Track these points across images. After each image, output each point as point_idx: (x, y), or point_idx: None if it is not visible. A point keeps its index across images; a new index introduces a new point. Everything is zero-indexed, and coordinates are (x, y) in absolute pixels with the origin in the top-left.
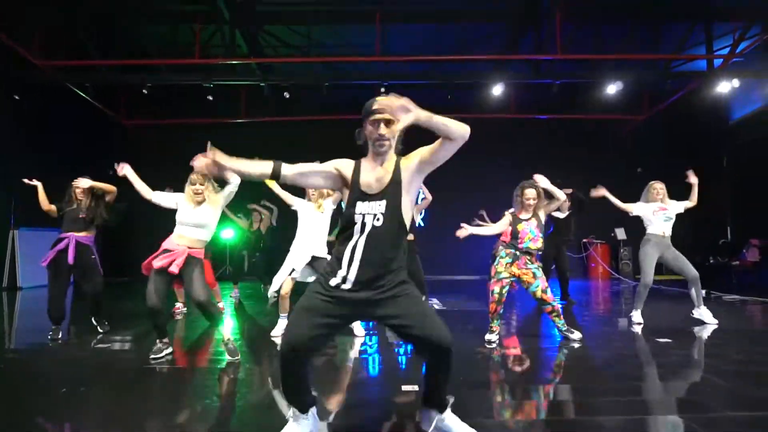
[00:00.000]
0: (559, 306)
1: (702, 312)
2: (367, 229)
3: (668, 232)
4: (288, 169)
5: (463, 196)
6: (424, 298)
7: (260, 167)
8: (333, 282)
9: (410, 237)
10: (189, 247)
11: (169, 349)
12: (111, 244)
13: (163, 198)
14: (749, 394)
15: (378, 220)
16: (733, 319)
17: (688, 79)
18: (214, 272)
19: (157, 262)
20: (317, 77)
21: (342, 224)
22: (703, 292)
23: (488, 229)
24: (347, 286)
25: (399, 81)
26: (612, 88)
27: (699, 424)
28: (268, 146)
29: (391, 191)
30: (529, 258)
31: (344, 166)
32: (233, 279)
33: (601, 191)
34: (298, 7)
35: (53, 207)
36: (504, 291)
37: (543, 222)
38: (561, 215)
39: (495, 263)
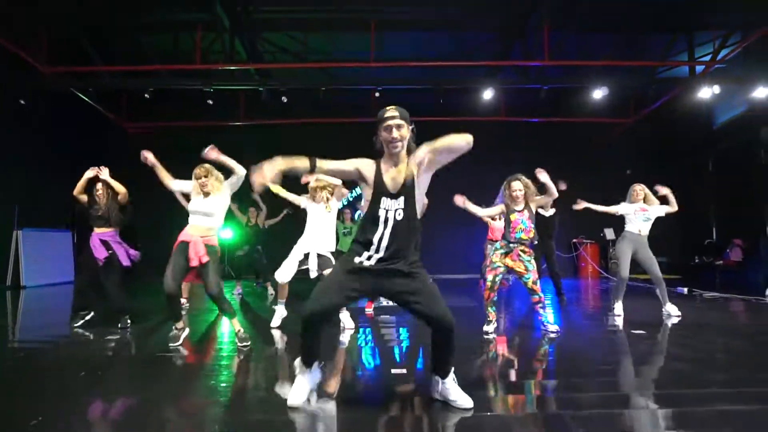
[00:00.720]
0: (546, 299)
1: (669, 308)
2: (390, 222)
3: (644, 231)
4: (322, 164)
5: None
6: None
7: (301, 162)
8: (358, 260)
9: None
10: (202, 236)
11: (186, 332)
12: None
13: (182, 184)
14: (707, 377)
15: (399, 215)
16: (708, 314)
17: (672, 85)
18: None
19: (193, 260)
20: (314, 82)
21: (366, 216)
22: (685, 290)
23: (481, 210)
24: (371, 262)
25: (392, 86)
26: (598, 93)
27: (660, 401)
28: (266, 148)
29: (406, 190)
30: (522, 249)
31: (365, 166)
32: (236, 276)
33: (582, 204)
34: (295, 14)
35: (84, 196)
36: (497, 279)
37: (534, 215)
38: (546, 213)
39: (491, 254)
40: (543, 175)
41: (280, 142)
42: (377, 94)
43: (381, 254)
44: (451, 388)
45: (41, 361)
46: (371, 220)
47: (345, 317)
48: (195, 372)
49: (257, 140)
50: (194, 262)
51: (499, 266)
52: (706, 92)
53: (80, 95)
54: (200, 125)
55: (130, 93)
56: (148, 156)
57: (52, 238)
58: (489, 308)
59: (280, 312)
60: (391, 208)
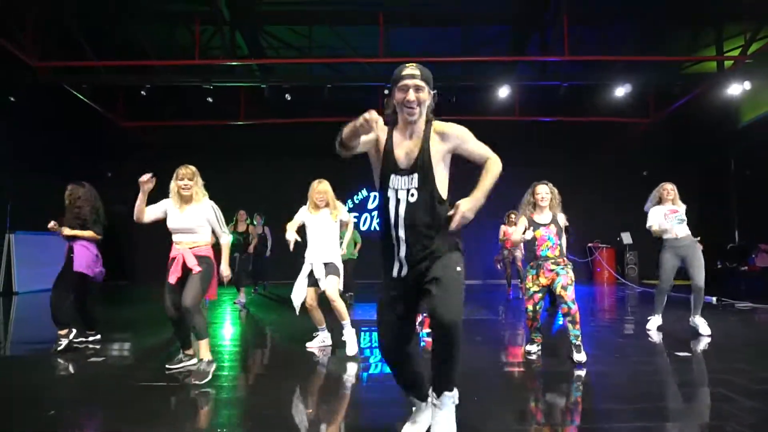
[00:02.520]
0: (577, 312)
1: (697, 321)
2: (402, 205)
3: (681, 233)
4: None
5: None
6: None
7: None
8: (395, 273)
9: None
10: (191, 248)
11: (192, 361)
12: (111, 248)
13: (153, 212)
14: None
15: (412, 195)
16: (752, 329)
17: (698, 81)
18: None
19: (171, 277)
20: (318, 78)
21: (378, 202)
22: (714, 299)
23: (521, 237)
24: (404, 272)
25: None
26: (621, 91)
27: None
28: (267, 148)
29: (422, 164)
30: (552, 262)
31: (381, 132)
32: (237, 284)
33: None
34: (299, 7)
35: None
36: (538, 308)
37: (563, 230)
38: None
39: (524, 281)
40: None
41: (282, 142)
42: (386, 92)
43: (405, 251)
44: (442, 414)
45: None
46: (381, 205)
47: (349, 336)
48: (183, 402)
49: (258, 139)
50: (172, 279)
51: (536, 291)
52: (736, 89)
53: (75, 93)
54: (199, 124)
55: (126, 90)
56: (145, 179)
57: (47, 241)
58: (534, 334)
59: (322, 338)
60: (402, 188)
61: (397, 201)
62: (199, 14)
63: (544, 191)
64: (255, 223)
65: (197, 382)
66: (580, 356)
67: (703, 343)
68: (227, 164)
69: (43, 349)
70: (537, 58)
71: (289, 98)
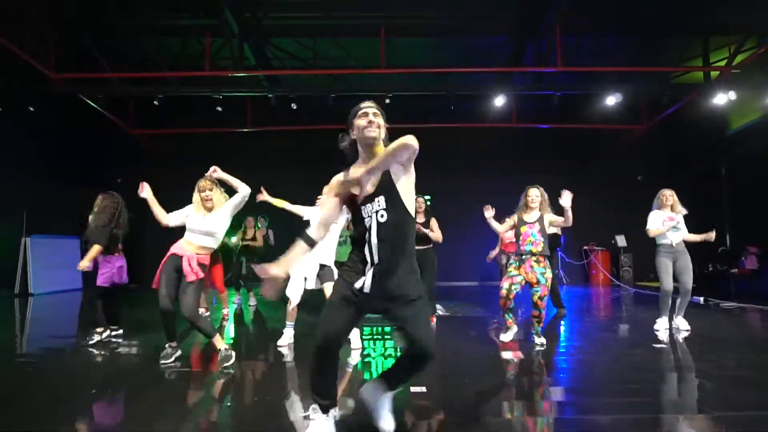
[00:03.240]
0: (544, 315)
1: (679, 321)
2: (374, 227)
3: (676, 240)
4: (314, 233)
5: (465, 205)
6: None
7: (300, 249)
8: (358, 285)
9: (427, 246)
10: (196, 254)
11: (178, 353)
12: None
13: (177, 218)
14: (740, 399)
15: (382, 216)
16: (730, 326)
17: (687, 91)
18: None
19: (169, 267)
20: (323, 89)
21: (355, 230)
22: (701, 299)
23: (497, 225)
24: (367, 287)
25: (403, 92)
26: (611, 100)
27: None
28: (273, 155)
29: (385, 184)
30: (534, 260)
31: (337, 186)
32: (247, 286)
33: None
34: (304, 21)
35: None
36: (513, 288)
37: (546, 229)
38: (553, 230)
39: (508, 264)
40: (566, 200)
41: (288, 149)
42: (387, 101)
43: (376, 267)
44: (386, 404)
45: (47, 374)
46: (357, 230)
47: (353, 335)
48: (186, 395)
49: (265, 147)
50: (191, 277)
51: (515, 275)
52: (722, 98)
53: (90, 103)
54: (207, 132)
55: (138, 100)
56: (145, 189)
57: (61, 244)
58: (506, 315)
59: (289, 335)
60: (372, 211)
61: (370, 225)
62: (209, 28)
63: (535, 194)
64: (259, 226)
65: (225, 365)
66: (541, 339)
67: (681, 337)
68: (233, 171)
69: (60, 347)
70: (530, 69)
71: (295, 107)
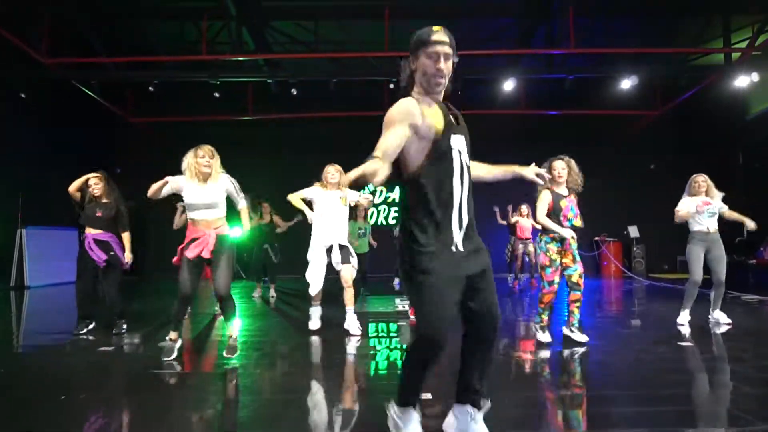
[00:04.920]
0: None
1: (717, 315)
2: (466, 168)
3: (713, 227)
4: (382, 152)
5: (474, 192)
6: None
7: (374, 165)
8: (454, 247)
9: None
10: (215, 228)
11: (179, 344)
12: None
13: (166, 190)
14: None
15: (466, 157)
16: (755, 320)
17: (705, 74)
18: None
19: (191, 252)
20: (324, 73)
21: (431, 164)
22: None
23: (542, 216)
24: (461, 244)
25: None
26: (627, 83)
27: None
28: (274, 142)
29: (463, 126)
30: (572, 237)
31: (413, 110)
32: (271, 277)
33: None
34: (304, 2)
35: (78, 194)
36: (560, 280)
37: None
38: None
39: (544, 251)
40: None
41: (289, 136)
42: (391, 86)
43: (465, 221)
44: (481, 428)
45: (44, 368)
46: (442, 168)
47: (351, 320)
48: (191, 392)
49: (266, 134)
50: (206, 254)
51: (559, 264)
52: (743, 81)
53: (84, 89)
54: (207, 120)
55: (135, 85)
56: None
57: (57, 236)
58: (545, 313)
59: (317, 313)
60: (461, 148)
61: (461, 163)
62: (207, 10)
63: (560, 166)
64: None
65: (230, 356)
66: (583, 337)
67: (710, 333)
68: (234, 159)
69: (60, 340)
70: (543, 51)
71: (295, 93)
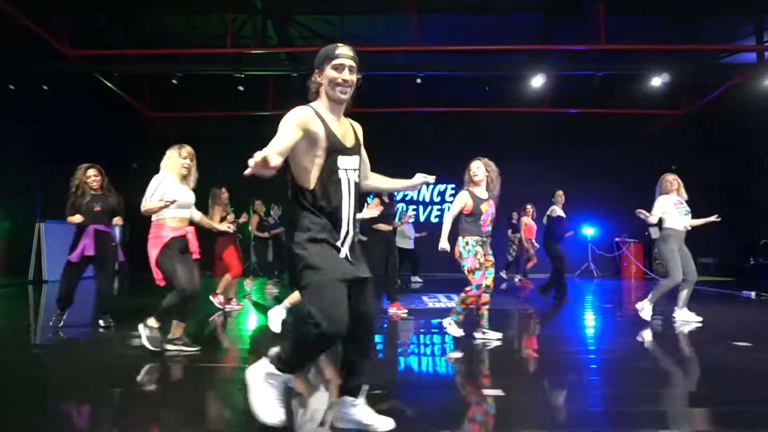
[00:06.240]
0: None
1: (684, 315)
2: (353, 187)
3: (688, 225)
4: (274, 150)
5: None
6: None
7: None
8: (338, 249)
9: (387, 227)
10: (188, 229)
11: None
12: (136, 241)
13: (158, 190)
14: None
15: (356, 177)
16: None
17: (736, 72)
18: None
19: (174, 247)
20: None
21: (321, 182)
22: (752, 294)
23: (448, 218)
24: (346, 251)
25: (435, 72)
26: (657, 81)
27: None
28: None
29: (358, 146)
30: (489, 243)
31: (309, 117)
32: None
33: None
34: None
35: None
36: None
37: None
38: (555, 215)
39: (473, 254)
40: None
41: None
42: (418, 81)
43: (350, 236)
44: (364, 410)
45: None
46: (330, 186)
47: (276, 316)
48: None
49: None
50: (195, 255)
51: (485, 267)
52: None
53: (105, 82)
54: (226, 115)
55: (154, 79)
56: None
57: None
58: (463, 314)
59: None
60: (350, 168)
61: (348, 183)
62: (231, 3)
63: (475, 166)
64: (272, 213)
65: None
66: (497, 333)
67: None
68: (251, 155)
69: (79, 334)
70: (574, 47)
71: None
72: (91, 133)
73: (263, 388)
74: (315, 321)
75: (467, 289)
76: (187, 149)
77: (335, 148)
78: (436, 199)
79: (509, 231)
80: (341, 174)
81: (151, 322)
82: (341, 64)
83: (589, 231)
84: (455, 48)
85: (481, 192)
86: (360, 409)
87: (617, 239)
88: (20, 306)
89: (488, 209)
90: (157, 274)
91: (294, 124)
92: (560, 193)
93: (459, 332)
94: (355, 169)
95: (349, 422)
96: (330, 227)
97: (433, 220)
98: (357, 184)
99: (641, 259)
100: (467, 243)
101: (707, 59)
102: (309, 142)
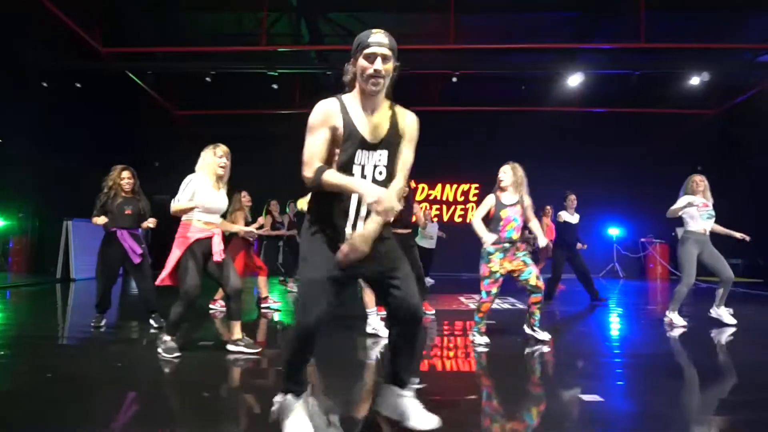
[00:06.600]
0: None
1: (720, 312)
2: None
3: (709, 229)
4: (330, 176)
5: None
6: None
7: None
8: (334, 237)
9: (406, 230)
10: (215, 232)
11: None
12: (157, 238)
13: (190, 193)
14: None
15: (381, 174)
16: None
17: None
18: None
19: (196, 250)
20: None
21: (337, 163)
22: None
23: (478, 222)
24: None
25: (472, 71)
26: (696, 80)
27: None
28: None
29: (393, 140)
30: (516, 247)
31: (331, 112)
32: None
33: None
34: None
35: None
36: (498, 290)
37: (527, 209)
38: (573, 220)
39: (486, 261)
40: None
41: None
42: (454, 79)
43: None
44: (410, 403)
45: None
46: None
47: (375, 322)
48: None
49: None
50: (217, 257)
51: (502, 275)
52: None
53: (135, 79)
54: (251, 113)
55: (181, 77)
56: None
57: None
58: (483, 322)
59: (376, 321)
60: (369, 163)
61: (364, 178)
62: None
63: (502, 171)
64: (287, 210)
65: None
66: (545, 335)
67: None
68: (277, 154)
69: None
70: (614, 45)
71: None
72: (116, 131)
73: (288, 419)
74: (297, 313)
75: (479, 297)
76: (222, 148)
77: (354, 143)
78: (460, 199)
79: (526, 231)
80: (356, 170)
81: (165, 337)
82: (373, 53)
83: (614, 231)
84: (493, 46)
85: (507, 197)
86: (405, 401)
87: (643, 239)
88: (50, 304)
89: (510, 215)
90: (164, 273)
91: (317, 126)
92: (572, 197)
93: (483, 340)
94: (376, 165)
95: (391, 411)
96: (337, 224)
97: (456, 219)
98: (378, 182)
99: (666, 260)
100: (484, 249)
101: (743, 58)
102: (332, 136)
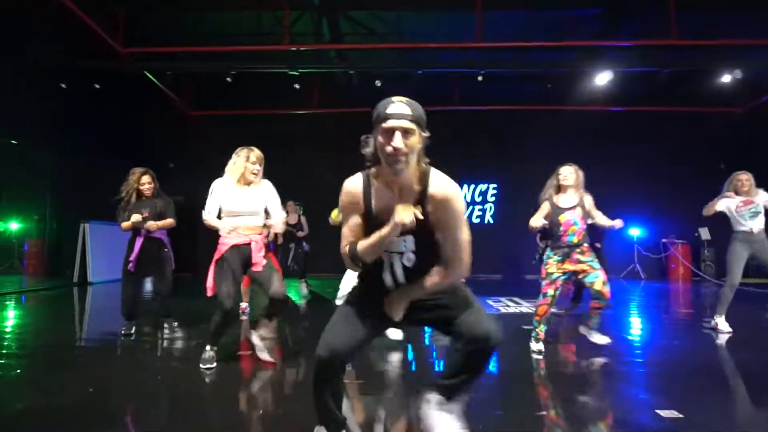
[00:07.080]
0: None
1: None
2: (399, 274)
3: (757, 227)
4: (360, 245)
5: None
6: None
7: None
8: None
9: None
10: (257, 235)
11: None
12: (173, 239)
13: (215, 207)
14: None
15: (409, 260)
16: None
17: None
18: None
19: (233, 261)
20: (410, 63)
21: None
22: None
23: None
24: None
25: (498, 70)
26: (727, 78)
27: None
28: (341, 139)
29: (419, 224)
30: (579, 251)
31: (356, 196)
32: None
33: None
34: None
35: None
36: (557, 293)
37: (590, 210)
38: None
39: (544, 263)
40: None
41: (356, 132)
42: (480, 78)
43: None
44: (443, 417)
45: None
46: (373, 268)
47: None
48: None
49: (331, 131)
50: (258, 267)
51: (559, 276)
52: None
53: (154, 80)
54: (268, 113)
55: (198, 77)
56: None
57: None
58: (541, 327)
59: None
60: (395, 250)
61: (391, 266)
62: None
63: (568, 171)
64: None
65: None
66: (604, 339)
67: None
68: (292, 155)
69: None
70: (644, 42)
71: (379, 84)
72: (131, 131)
73: None
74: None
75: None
76: (256, 153)
77: (376, 229)
78: (478, 199)
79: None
80: (385, 256)
81: (207, 347)
82: (391, 128)
83: (635, 232)
84: (519, 44)
85: (565, 200)
86: (438, 414)
87: (664, 240)
88: (68, 308)
89: (568, 219)
90: (208, 282)
91: (346, 210)
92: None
93: (538, 347)
94: (402, 252)
95: (425, 420)
96: (372, 301)
97: (474, 220)
98: (408, 269)
99: (689, 261)
100: (545, 252)
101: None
102: (362, 219)
